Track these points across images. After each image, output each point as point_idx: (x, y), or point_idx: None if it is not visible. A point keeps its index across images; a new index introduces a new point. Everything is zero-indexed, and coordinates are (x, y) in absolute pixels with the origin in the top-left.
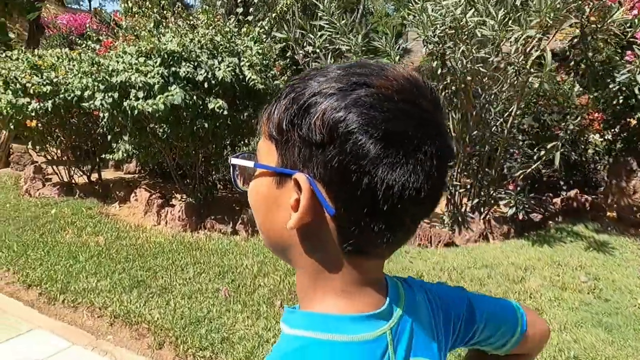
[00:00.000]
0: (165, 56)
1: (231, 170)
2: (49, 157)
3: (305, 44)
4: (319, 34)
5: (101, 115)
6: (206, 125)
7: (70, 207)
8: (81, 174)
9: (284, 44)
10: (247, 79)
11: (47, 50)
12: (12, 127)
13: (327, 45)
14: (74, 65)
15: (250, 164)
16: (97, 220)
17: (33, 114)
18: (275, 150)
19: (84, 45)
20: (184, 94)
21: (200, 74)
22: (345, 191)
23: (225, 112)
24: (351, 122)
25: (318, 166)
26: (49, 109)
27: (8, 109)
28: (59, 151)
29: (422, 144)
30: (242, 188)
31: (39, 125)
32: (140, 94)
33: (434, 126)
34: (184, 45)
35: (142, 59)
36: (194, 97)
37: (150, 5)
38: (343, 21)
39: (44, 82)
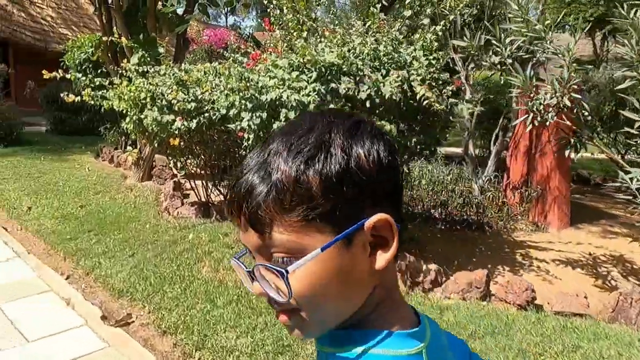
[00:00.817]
0: (323, 70)
1: (264, 286)
2: (188, 173)
3: (489, 52)
4: (508, 40)
5: (245, 136)
6: None
7: (208, 232)
8: (218, 192)
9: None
10: (418, 97)
11: (191, 64)
12: (156, 144)
13: (522, 53)
14: (220, 81)
15: (315, 253)
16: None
17: (176, 132)
18: (321, 226)
19: (231, 59)
20: None
21: (363, 91)
22: (398, 204)
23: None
24: (381, 149)
25: (380, 200)
26: (192, 128)
27: (153, 126)
28: (197, 168)
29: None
30: (287, 299)
31: (182, 143)
32: (292, 114)
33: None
34: (344, 56)
35: (294, 74)
36: None
37: (303, 11)
38: (547, 22)
39: (189, 99)
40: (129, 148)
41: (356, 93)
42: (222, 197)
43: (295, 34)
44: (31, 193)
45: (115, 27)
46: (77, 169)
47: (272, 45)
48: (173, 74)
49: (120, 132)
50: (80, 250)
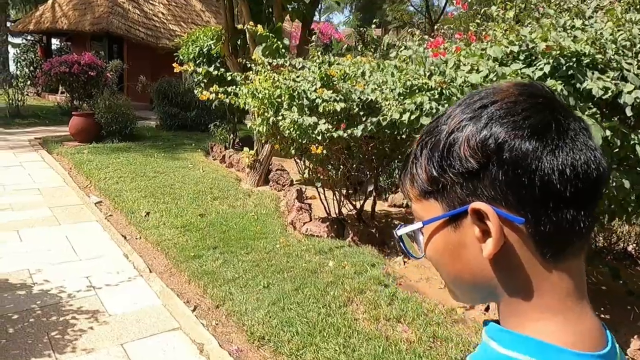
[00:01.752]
0: (562, 61)
1: (401, 245)
2: (320, 184)
3: None
4: None
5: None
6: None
7: (349, 259)
8: (351, 207)
9: None
10: None
11: (311, 58)
12: (292, 151)
13: None
14: (385, 77)
15: (417, 225)
16: (391, 293)
17: (320, 137)
18: (434, 202)
19: (399, 50)
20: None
21: (628, 92)
22: (524, 197)
23: None
24: (497, 135)
25: (486, 189)
26: (358, 136)
27: (291, 129)
28: (333, 178)
29: (566, 123)
30: (419, 255)
31: (324, 151)
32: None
33: (563, 108)
34: (597, 43)
35: (514, 66)
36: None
37: None
38: None
39: (338, 98)
40: (246, 149)
41: (613, 95)
42: (355, 212)
43: (499, 11)
44: (148, 195)
45: (237, 18)
46: (191, 169)
47: (456, 29)
48: (319, 66)
49: (229, 129)
50: (206, 273)
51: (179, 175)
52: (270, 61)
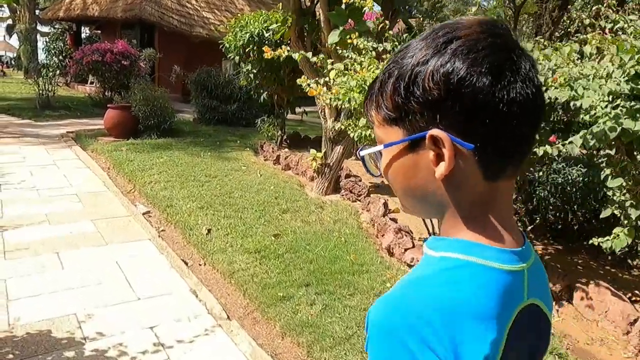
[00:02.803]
0: None
1: (362, 164)
2: None
3: None
4: None
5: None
6: None
7: None
8: None
9: None
10: None
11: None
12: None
13: None
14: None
15: (379, 147)
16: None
17: None
18: (396, 128)
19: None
20: None
21: None
22: (476, 127)
23: None
24: (458, 69)
25: (443, 119)
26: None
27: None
28: None
29: (519, 62)
30: (377, 174)
31: None
32: None
33: (518, 46)
34: None
35: None
36: None
37: None
38: None
39: None
40: (313, 151)
41: None
42: None
43: None
44: (205, 206)
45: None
46: (245, 173)
47: None
48: None
49: (276, 125)
50: (305, 325)
51: (235, 181)
52: (375, 46)
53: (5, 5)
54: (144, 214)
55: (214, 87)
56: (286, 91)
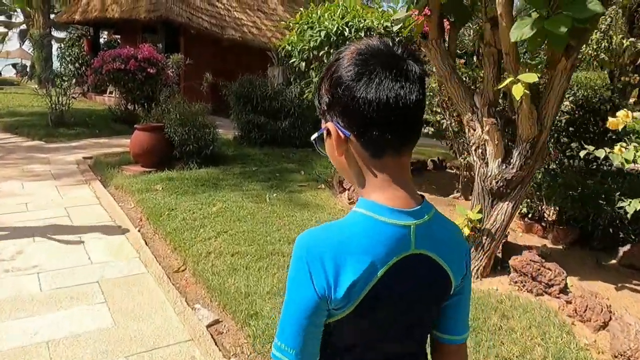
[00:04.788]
0: None
1: (316, 146)
2: None
3: None
4: None
5: None
6: None
7: None
8: None
9: None
10: None
11: None
12: None
13: None
14: None
15: (316, 134)
16: None
17: None
18: (324, 121)
19: None
20: None
21: None
22: (349, 118)
23: None
24: (338, 79)
25: (334, 115)
26: None
27: None
28: None
29: (385, 69)
30: (323, 154)
31: None
32: None
33: (393, 60)
34: None
35: None
36: None
37: None
38: None
39: None
40: (461, 206)
41: None
42: None
43: None
44: None
45: None
46: None
47: None
48: None
49: None
50: None
51: None
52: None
53: (18, 10)
54: (209, 325)
55: (260, 99)
56: None
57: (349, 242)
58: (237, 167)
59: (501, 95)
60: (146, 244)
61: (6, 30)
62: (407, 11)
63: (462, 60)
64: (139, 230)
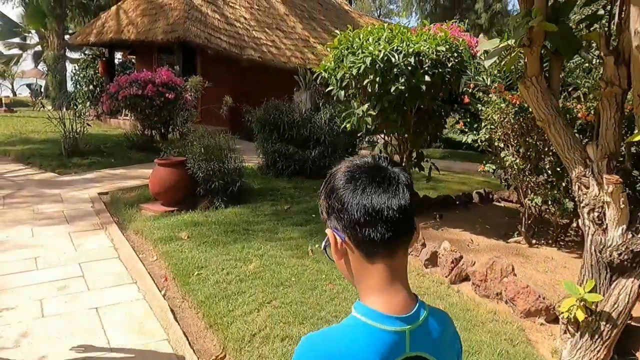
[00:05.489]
0: None
1: (325, 253)
2: None
3: None
4: None
5: None
6: None
7: None
8: None
9: None
10: None
11: None
12: None
13: None
14: None
15: (324, 242)
16: None
17: None
18: (328, 228)
19: None
20: None
21: None
22: (343, 222)
23: None
24: (332, 190)
25: (332, 221)
26: None
27: None
28: None
29: (369, 177)
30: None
31: None
32: None
33: (377, 170)
34: None
35: None
36: None
37: None
38: None
39: None
40: (569, 283)
41: None
42: None
43: None
44: None
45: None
46: None
47: None
48: None
49: None
50: None
51: None
52: None
53: (33, 32)
54: None
55: (287, 127)
56: (412, 139)
57: (347, 352)
58: (266, 205)
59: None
60: (174, 317)
61: (21, 52)
62: (500, 42)
63: None
64: (164, 295)
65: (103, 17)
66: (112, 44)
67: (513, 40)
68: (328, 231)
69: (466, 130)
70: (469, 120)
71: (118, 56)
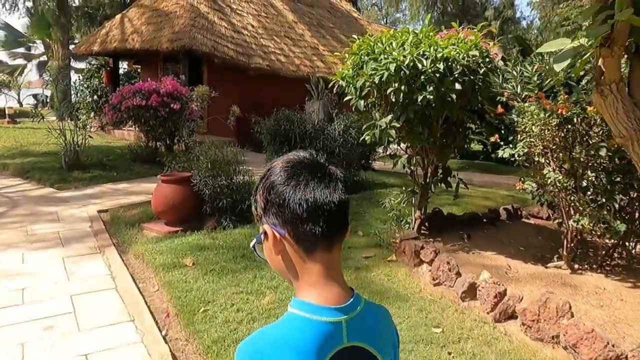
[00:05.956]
0: None
1: (255, 252)
2: None
3: None
4: None
5: None
6: None
7: None
8: None
9: None
10: None
11: None
12: None
13: None
14: None
15: (254, 240)
16: None
17: None
18: (261, 224)
19: None
20: None
21: None
22: (283, 218)
23: None
24: (270, 185)
25: (270, 217)
26: None
27: None
28: None
29: (311, 176)
30: (263, 257)
31: None
32: None
33: (317, 167)
34: None
35: None
36: None
37: None
38: None
39: None
40: None
41: None
42: None
43: None
44: None
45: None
46: (448, 339)
47: None
48: None
49: (406, 197)
50: None
51: None
52: None
53: (37, 42)
54: None
55: (299, 138)
56: (438, 152)
57: (286, 344)
58: None
59: None
60: (172, 354)
61: (25, 62)
62: (571, 42)
63: None
64: (165, 335)
65: (107, 25)
66: (116, 53)
67: (586, 40)
68: (266, 227)
69: (501, 143)
70: (502, 132)
71: (124, 66)
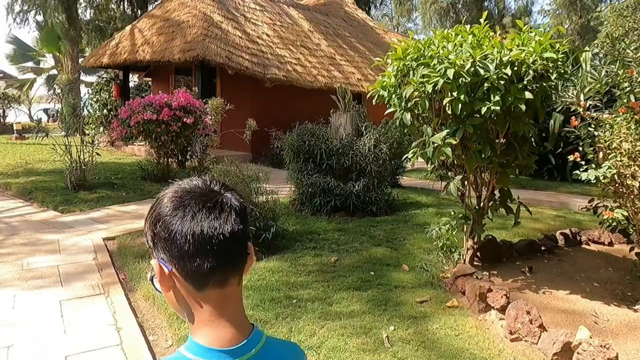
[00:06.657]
0: None
1: (153, 285)
2: None
3: None
4: None
5: None
6: None
7: None
8: None
9: None
10: None
11: None
12: None
13: None
14: None
15: (149, 273)
16: None
17: None
18: (154, 259)
19: None
20: None
21: None
22: (169, 252)
23: None
24: (156, 217)
25: (158, 251)
26: None
27: None
28: None
29: (198, 203)
30: (161, 291)
31: None
32: None
33: (208, 196)
34: None
35: None
36: None
37: None
38: None
39: None
40: None
41: None
42: None
43: None
44: None
45: None
46: None
47: None
48: None
49: (457, 224)
50: None
51: None
52: None
53: (47, 55)
54: None
55: (325, 155)
56: (499, 172)
57: None
58: (308, 256)
59: None
60: None
61: (35, 76)
62: None
63: None
64: None
65: (117, 37)
66: (126, 65)
67: None
68: (153, 262)
69: (582, 162)
70: (582, 148)
71: (134, 79)
